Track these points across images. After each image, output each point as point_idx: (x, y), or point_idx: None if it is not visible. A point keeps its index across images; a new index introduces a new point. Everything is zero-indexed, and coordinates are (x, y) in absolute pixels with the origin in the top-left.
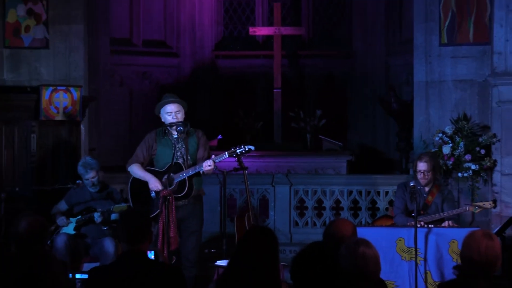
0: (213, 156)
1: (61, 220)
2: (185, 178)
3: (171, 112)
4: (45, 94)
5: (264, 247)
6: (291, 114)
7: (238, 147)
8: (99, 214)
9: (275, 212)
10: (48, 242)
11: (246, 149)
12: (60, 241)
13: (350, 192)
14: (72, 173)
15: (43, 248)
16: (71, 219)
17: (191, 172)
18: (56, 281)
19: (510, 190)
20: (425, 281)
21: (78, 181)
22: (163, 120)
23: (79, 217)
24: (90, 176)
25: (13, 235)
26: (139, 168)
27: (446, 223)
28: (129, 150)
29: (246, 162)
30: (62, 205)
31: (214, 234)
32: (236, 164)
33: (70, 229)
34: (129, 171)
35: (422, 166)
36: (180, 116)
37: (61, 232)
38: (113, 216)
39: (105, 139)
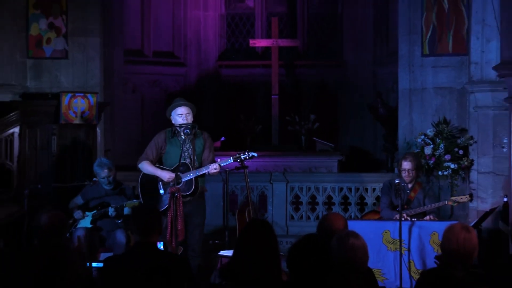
0: (218, 160)
1: (77, 213)
2: (192, 178)
3: (182, 114)
4: (65, 100)
5: (263, 238)
6: (287, 118)
7: (243, 153)
8: (113, 209)
9: (273, 207)
10: (67, 235)
11: (250, 156)
12: (78, 236)
13: (341, 189)
14: (88, 171)
15: (62, 240)
16: (87, 213)
17: (198, 173)
18: (74, 270)
19: (485, 187)
20: (409, 270)
21: (94, 179)
22: (173, 122)
23: (95, 211)
24: (106, 175)
25: (35, 229)
26: (149, 165)
27: (427, 217)
28: (141, 151)
29: (247, 161)
30: (78, 200)
31: (218, 227)
32: (238, 164)
33: (87, 222)
34: (139, 168)
35: (406, 165)
36: (190, 118)
37: (79, 226)
38: (126, 211)
39: (119, 141)
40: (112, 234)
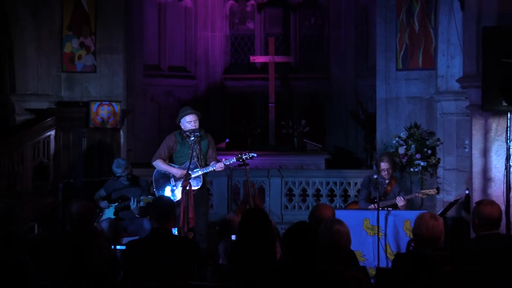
0: (223, 159)
1: (103, 203)
2: (200, 175)
3: (191, 121)
4: (93, 107)
5: (259, 223)
6: (282, 123)
7: (244, 154)
8: (131, 202)
9: (270, 198)
10: (95, 223)
11: (250, 156)
12: (104, 226)
13: (328, 183)
14: None
15: (91, 227)
16: (111, 204)
17: (205, 170)
18: (101, 253)
19: (450, 181)
20: (385, 252)
21: (117, 174)
22: (183, 128)
23: (116, 204)
24: (124, 174)
25: (68, 217)
26: (163, 163)
27: (399, 198)
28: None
29: (247, 160)
30: (102, 192)
31: (223, 215)
32: (240, 162)
33: (110, 213)
34: (153, 165)
35: (384, 165)
36: (197, 124)
37: (104, 218)
38: (142, 204)
39: (139, 142)
40: (139, 221)
